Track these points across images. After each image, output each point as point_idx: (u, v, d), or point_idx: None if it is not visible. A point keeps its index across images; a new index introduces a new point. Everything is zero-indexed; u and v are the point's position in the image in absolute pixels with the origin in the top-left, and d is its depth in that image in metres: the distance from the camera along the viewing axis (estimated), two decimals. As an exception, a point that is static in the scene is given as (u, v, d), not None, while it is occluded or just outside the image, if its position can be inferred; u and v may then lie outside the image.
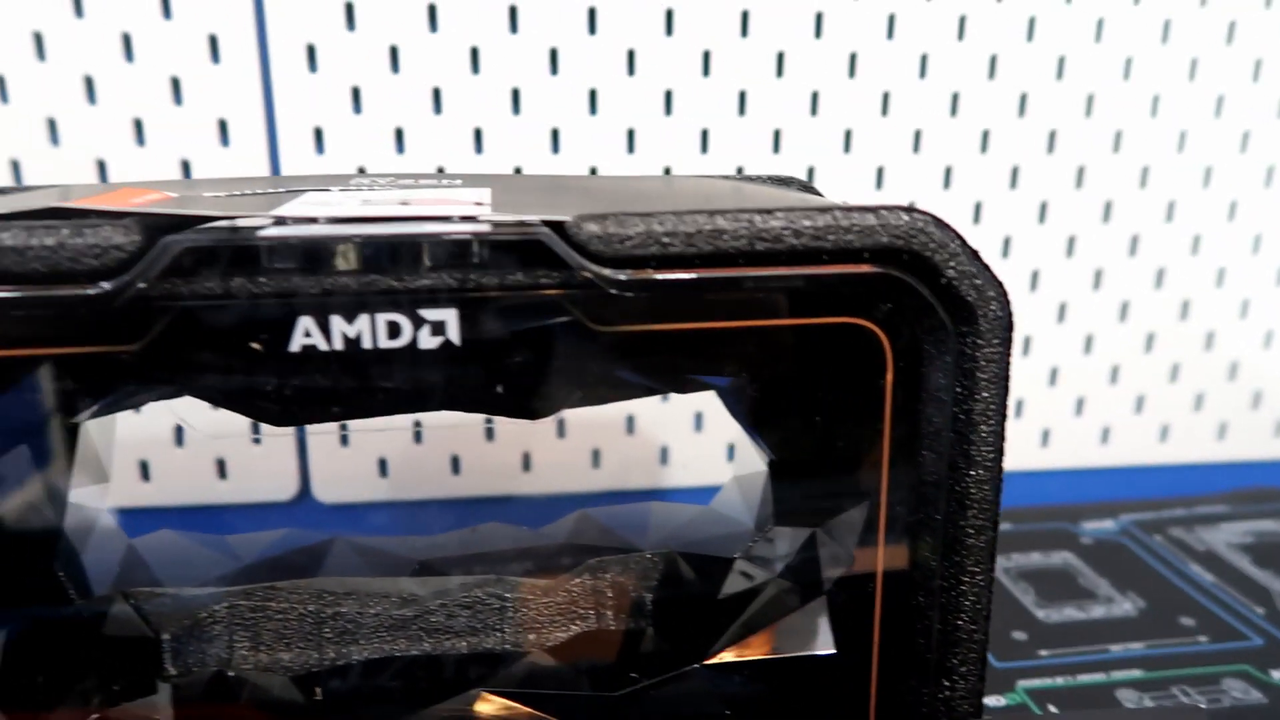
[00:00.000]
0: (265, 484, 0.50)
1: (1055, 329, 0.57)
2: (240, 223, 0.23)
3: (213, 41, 0.45)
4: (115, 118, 0.45)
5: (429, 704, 0.28)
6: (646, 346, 0.25)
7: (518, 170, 0.49)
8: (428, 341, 0.24)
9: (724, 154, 0.49)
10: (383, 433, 0.50)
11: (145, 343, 0.23)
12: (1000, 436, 0.25)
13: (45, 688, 0.26)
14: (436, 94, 0.47)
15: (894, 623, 0.27)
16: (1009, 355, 0.25)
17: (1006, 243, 0.54)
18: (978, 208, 0.53)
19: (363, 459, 0.50)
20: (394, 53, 0.46)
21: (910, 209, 0.24)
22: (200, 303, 0.23)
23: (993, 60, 0.50)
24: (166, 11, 0.45)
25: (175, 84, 0.45)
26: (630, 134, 0.49)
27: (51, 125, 0.45)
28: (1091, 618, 0.46)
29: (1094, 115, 0.53)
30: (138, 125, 0.46)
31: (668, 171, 0.50)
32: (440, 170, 0.48)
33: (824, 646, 0.28)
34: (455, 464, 0.51)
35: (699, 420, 0.53)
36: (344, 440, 0.50)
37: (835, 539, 0.29)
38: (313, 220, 0.23)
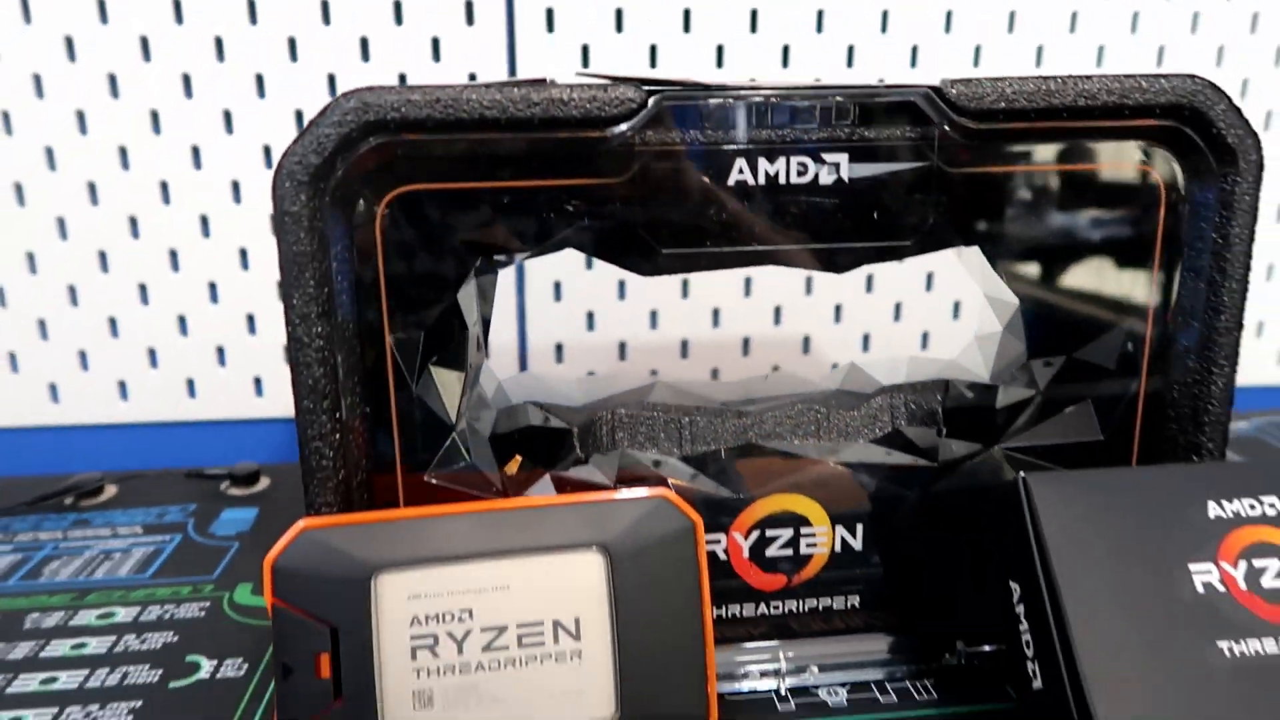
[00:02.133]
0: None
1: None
2: (708, 85, 0.31)
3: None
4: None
5: (772, 479, 0.36)
6: (986, 187, 0.33)
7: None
8: (827, 177, 0.32)
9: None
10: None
11: (628, 177, 0.31)
12: (1249, 257, 0.33)
13: (510, 455, 0.35)
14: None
15: (1153, 412, 0.35)
16: (1259, 192, 0.33)
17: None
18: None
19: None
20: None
21: (1192, 75, 0.32)
22: (672, 147, 0.31)
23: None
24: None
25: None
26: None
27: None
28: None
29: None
30: (397, 7, 0.54)
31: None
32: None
33: (1092, 434, 0.36)
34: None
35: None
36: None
37: (1094, 358, 0.36)
38: (753, 88, 0.31)
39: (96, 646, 0.40)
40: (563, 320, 0.63)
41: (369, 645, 0.31)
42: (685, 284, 0.62)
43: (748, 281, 0.62)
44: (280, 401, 0.65)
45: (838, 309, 0.62)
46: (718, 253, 0.32)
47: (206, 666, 0.39)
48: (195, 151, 0.59)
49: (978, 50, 0.59)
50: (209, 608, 0.43)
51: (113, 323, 0.62)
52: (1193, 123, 0.32)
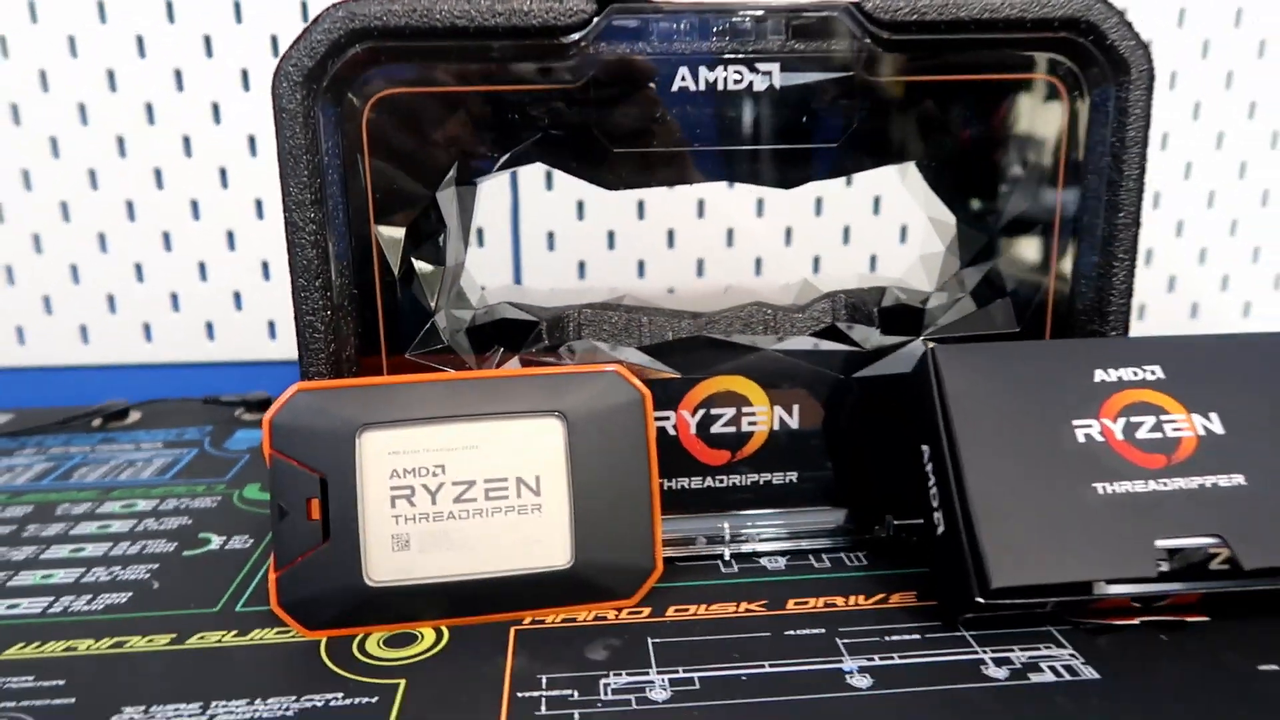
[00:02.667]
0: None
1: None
2: (655, 1, 0.35)
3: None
4: None
5: (717, 364, 0.40)
6: (902, 95, 0.37)
7: None
8: (760, 84, 0.36)
9: None
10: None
11: (583, 82, 0.35)
12: (1144, 158, 0.37)
13: (487, 345, 0.39)
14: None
15: (1062, 304, 0.39)
16: (1151, 98, 0.36)
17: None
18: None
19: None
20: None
21: (1084, -9, 0.36)
22: (623, 56, 0.35)
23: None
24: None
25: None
26: None
27: None
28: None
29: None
30: None
31: None
32: None
33: (1010, 326, 0.40)
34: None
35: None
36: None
37: (1014, 260, 0.40)
38: (695, 6, 0.35)
39: (119, 527, 0.45)
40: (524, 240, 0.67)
41: (353, 493, 0.35)
42: (641, 205, 0.67)
43: (700, 203, 0.66)
44: (292, 344, 0.69)
45: (788, 231, 0.66)
46: (663, 152, 0.37)
47: (216, 541, 0.43)
48: (215, 108, 0.64)
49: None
50: (220, 500, 0.48)
51: (138, 268, 0.67)
52: (1088, 35, 0.36)
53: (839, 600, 0.37)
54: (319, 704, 0.31)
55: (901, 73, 0.37)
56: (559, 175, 0.66)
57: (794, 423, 0.39)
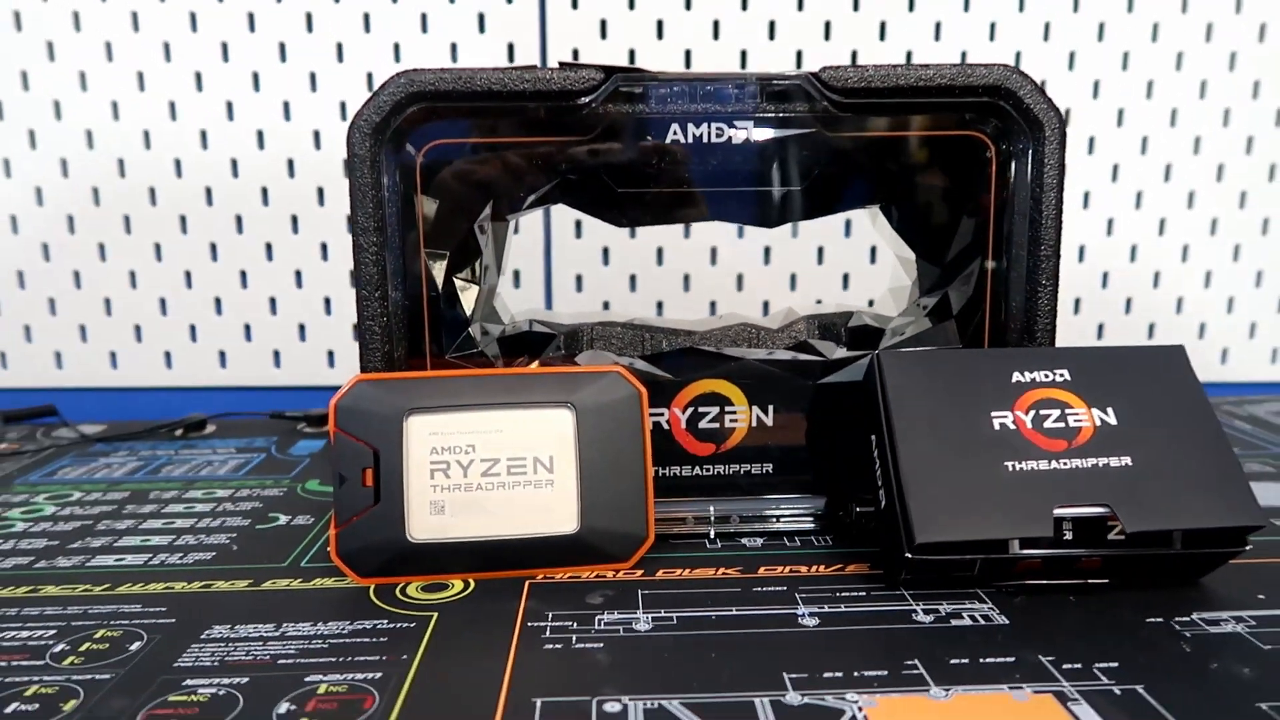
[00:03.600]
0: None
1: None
2: (654, 72, 0.43)
3: None
4: None
5: (704, 370, 0.47)
6: (858, 149, 0.45)
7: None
8: (738, 138, 0.44)
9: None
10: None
11: (594, 135, 0.44)
12: (1059, 205, 0.44)
13: (515, 354, 0.47)
14: None
15: (997, 325, 0.46)
16: (1064, 154, 0.44)
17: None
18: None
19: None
20: None
21: (1007, 66, 0.43)
22: (625, 114, 0.43)
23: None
24: None
25: None
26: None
27: None
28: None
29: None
30: None
31: None
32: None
33: (952, 343, 0.47)
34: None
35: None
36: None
37: (960, 287, 0.47)
38: (683, 76, 0.44)
39: (202, 508, 0.53)
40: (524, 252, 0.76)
41: (400, 465, 0.43)
42: (660, 252, 0.76)
43: (713, 251, 0.76)
44: (349, 373, 0.78)
45: (767, 251, 0.75)
46: (659, 192, 0.45)
47: (284, 519, 0.51)
48: (290, 163, 0.74)
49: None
50: (286, 491, 0.56)
51: (218, 302, 0.77)
52: (1008, 99, 0.43)
53: (803, 568, 0.43)
54: (368, 626, 0.38)
55: (855, 129, 0.44)
56: (586, 225, 0.75)
57: (769, 421, 0.47)
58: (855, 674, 0.34)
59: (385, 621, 0.39)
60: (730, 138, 0.44)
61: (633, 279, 0.77)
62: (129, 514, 0.52)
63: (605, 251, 0.76)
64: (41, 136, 0.73)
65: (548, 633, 0.37)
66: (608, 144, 0.44)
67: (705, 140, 0.44)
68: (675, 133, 0.44)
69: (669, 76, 0.43)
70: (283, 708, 0.32)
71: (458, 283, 0.46)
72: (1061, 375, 0.41)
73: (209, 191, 0.75)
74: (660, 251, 0.76)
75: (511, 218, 0.48)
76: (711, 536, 0.47)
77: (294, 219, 0.75)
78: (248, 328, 0.77)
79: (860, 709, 0.32)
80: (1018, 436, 0.40)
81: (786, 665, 0.35)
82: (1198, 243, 0.78)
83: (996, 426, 0.40)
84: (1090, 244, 0.78)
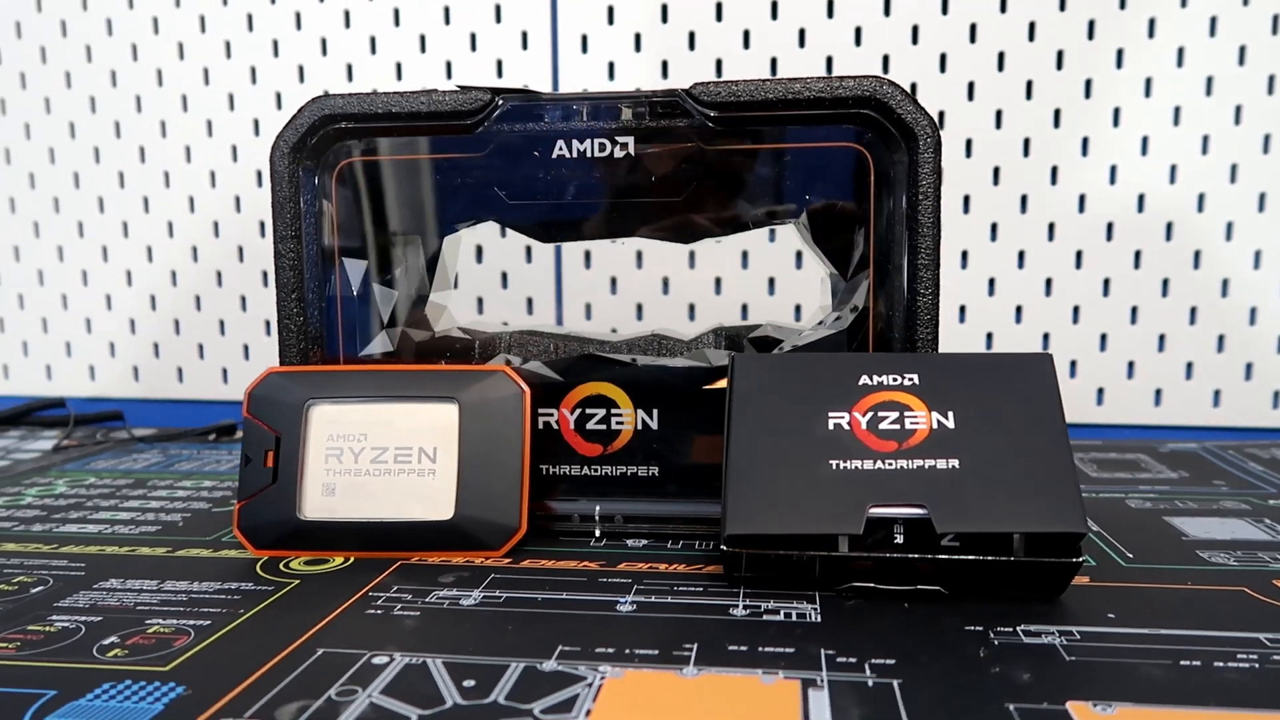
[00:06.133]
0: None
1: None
2: (539, 93, 0.47)
3: None
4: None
5: (594, 374, 0.49)
6: (735, 161, 0.46)
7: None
8: (619, 153, 0.46)
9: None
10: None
11: (486, 152, 0.47)
12: (936, 213, 0.44)
13: (436, 359, 0.51)
14: None
15: (880, 331, 0.46)
16: (939, 161, 0.44)
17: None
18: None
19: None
20: None
21: (877, 76, 0.44)
22: (514, 132, 0.47)
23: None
24: None
25: None
26: None
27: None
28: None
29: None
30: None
31: None
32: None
33: (843, 347, 0.47)
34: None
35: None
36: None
37: (853, 299, 0.47)
38: (566, 96, 0.47)
39: (183, 494, 0.59)
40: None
41: (298, 450, 0.47)
42: (666, 281, 0.78)
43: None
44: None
45: (771, 281, 0.76)
46: (546, 204, 0.48)
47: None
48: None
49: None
50: (262, 485, 0.61)
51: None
52: (879, 110, 0.44)
53: (661, 565, 0.44)
54: (232, 588, 0.42)
55: (730, 141, 0.46)
56: (597, 256, 0.79)
57: (654, 425, 0.48)
58: (626, 651, 0.35)
59: (251, 585, 0.42)
60: (612, 153, 0.46)
61: (639, 307, 0.79)
62: (119, 495, 0.59)
63: (613, 280, 0.79)
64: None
65: (380, 601, 0.40)
66: (499, 159, 0.47)
67: (589, 155, 0.47)
68: (561, 148, 0.47)
69: (551, 96, 0.47)
70: (108, 639, 0.36)
71: (375, 289, 0.50)
72: (910, 379, 0.41)
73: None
74: (666, 281, 0.79)
75: (449, 231, 0.52)
76: (598, 535, 0.48)
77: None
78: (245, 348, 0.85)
79: (602, 678, 0.32)
80: (849, 436, 0.40)
81: (568, 640, 0.36)
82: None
83: (830, 426, 0.40)
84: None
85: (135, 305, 0.87)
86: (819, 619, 0.37)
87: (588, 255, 0.80)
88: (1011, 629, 0.36)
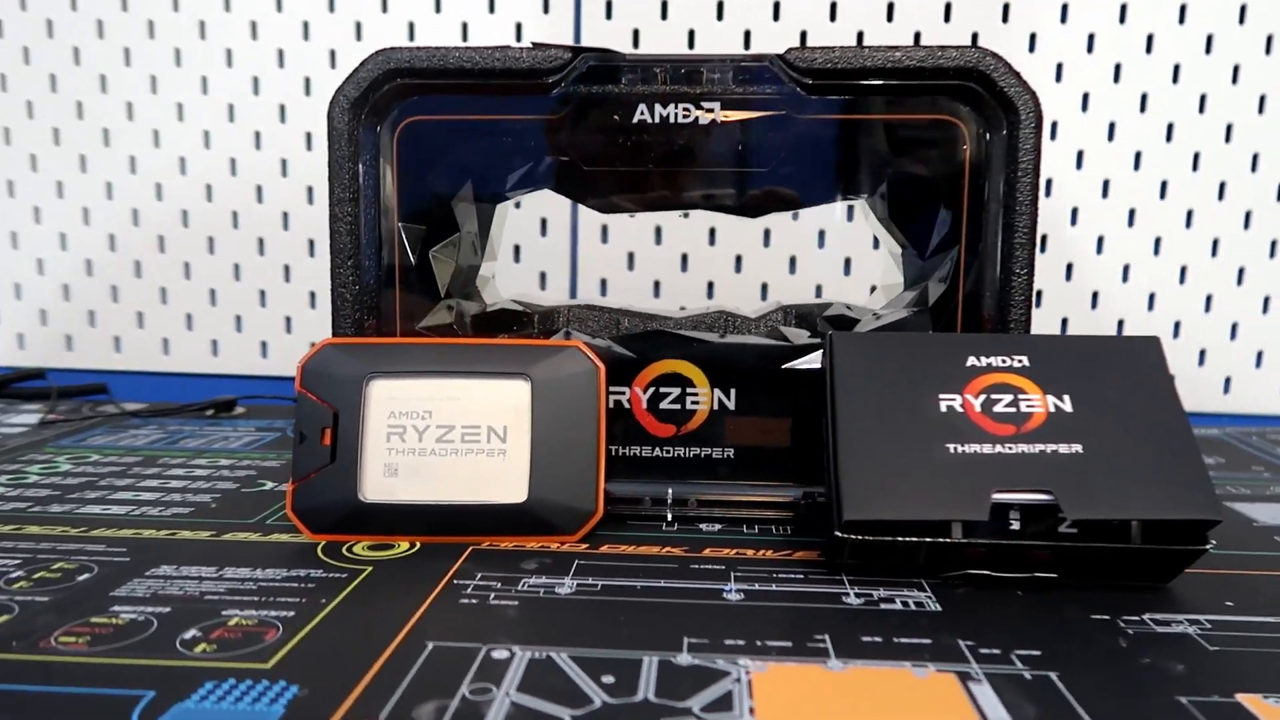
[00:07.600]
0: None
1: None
2: (622, 53, 0.44)
3: None
4: None
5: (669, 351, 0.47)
6: (825, 132, 0.44)
7: None
8: (705, 119, 0.44)
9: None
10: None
11: (563, 114, 0.44)
12: (1035, 190, 0.43)
13: (491, 332, 0.48)
14: None
15: (970, 312, 0.44)
16: (1040, 138, 0.42)
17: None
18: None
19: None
20: None
21: (980, 48, 0.42)
22: (592, 94, 0.44)
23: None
24: None
25: None
26: None
27: None
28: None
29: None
30: None
31: None
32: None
33: (928, 327, 0.45)
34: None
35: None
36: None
37: (938, 279, 0.46)
38: (651, 57, 0.44)
39: (201, 473, 0.55)
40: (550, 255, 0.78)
41: (357, 427, 0.44)
42: (685, 258, 0.76)
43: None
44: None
45: (792, 260, 0.75)
46: (625, 171, 0.45)
47: (269, 485, 0.53)
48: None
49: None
50: (285, 464, 0.58)
51: (262, 294, 0.80)
52: (980, 82, 0.42)
53: (749, 551, 0.42)
54: (302, 574, 0.39)
55: (822, 111, 0.44)
56: (613, 230, 0.76)
57: (731, 405, 0.46)
58: (758, 643, 0.33)
59: (320, 571, 0.39)
60: (697, 119, 0.44)
61: (656, 284, 0.77)
62: (132, 474, 0.55)
63: (630, 256, 0.77)
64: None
65: (470, 590, 0.38)
66: (577, 124, 0.45)
67: (672, 121, 0.44)
68: (642, 113, 0.44)
69: (636, 57, 0.44)
70: (189, 633, 0.33)
71: (433, 257, 0.47)
72: (1020, 361, 0.40)
73: (259, 189, 0.79)
74: (685, 258, 0.77)
75: (503, 199, 0.49)
76: (669, 519, 0.46)
77: (335, 217, 0.78)
78: (288, 320, 0.81)
79: (748, 672, 0.31)
80: (964, 419, 0.38)
81: (691, 631, 0.34)
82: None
83: (943, 409, 0.39)
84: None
85: (118, 273, 0.81)
86: (938, 607, 0.36)
87: (604, 229, 0.77)
88: (1139, 618, 0.35)
